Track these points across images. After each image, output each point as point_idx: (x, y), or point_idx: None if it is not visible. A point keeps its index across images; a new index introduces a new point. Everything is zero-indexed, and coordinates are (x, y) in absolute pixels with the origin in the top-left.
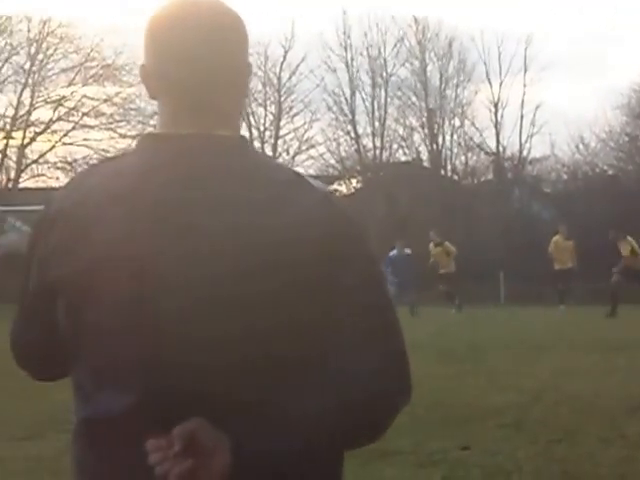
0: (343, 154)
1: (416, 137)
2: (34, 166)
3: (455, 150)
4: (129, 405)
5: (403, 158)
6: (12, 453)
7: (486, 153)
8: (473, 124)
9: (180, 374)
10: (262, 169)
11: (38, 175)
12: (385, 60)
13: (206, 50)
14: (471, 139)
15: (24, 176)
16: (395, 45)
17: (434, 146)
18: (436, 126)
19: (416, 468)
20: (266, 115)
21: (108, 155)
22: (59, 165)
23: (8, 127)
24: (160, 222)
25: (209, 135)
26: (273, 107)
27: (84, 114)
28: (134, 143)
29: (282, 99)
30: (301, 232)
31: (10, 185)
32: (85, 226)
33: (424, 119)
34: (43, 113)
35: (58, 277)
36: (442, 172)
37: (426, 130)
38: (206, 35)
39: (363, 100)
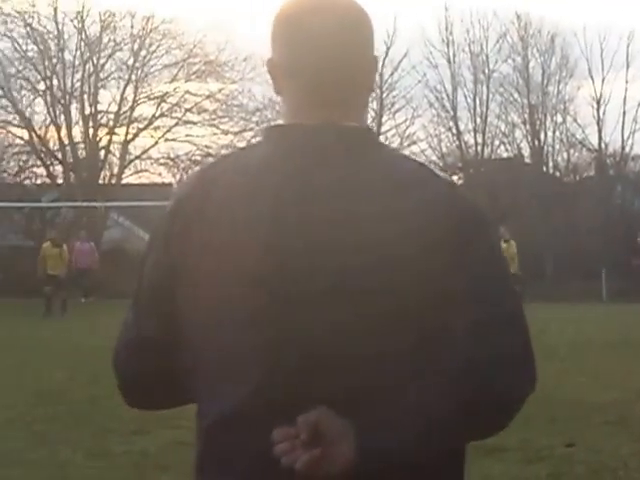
0: (445, 150)
1: (518, 133)
2: (137, 162)
3: (557, 146)
4: (250, 396)
5: (505, 154)
6: (121, 448)
7: (588, 150)
8: (575, 120)
9: (301, 364)
10: (388, 159)
11: (141, 171)
12: (487, 56)
13: (335, 43)
14: (573, 135)
15: (127, 172)
16: (497, 41)
17: (536, 142)
18: (538, 122)
19: (523, 464)
20: (368, 111)
21: (210, 151)
22: (162, 161)
23: (111, 123)
24: (284, 211)
25: (336, 125)
26: (375, 103)
27: (187, 110)
28: (236, 139)
29: (384, 95)
30: (426, 219)
31: (113, 181)
32: (207, 217)
33: (526, 115)
34: (146, 109)
35: (178, 269)
36: (544, 168)
37: (528, 126)
38: (335, 28)
39: (465, 96)
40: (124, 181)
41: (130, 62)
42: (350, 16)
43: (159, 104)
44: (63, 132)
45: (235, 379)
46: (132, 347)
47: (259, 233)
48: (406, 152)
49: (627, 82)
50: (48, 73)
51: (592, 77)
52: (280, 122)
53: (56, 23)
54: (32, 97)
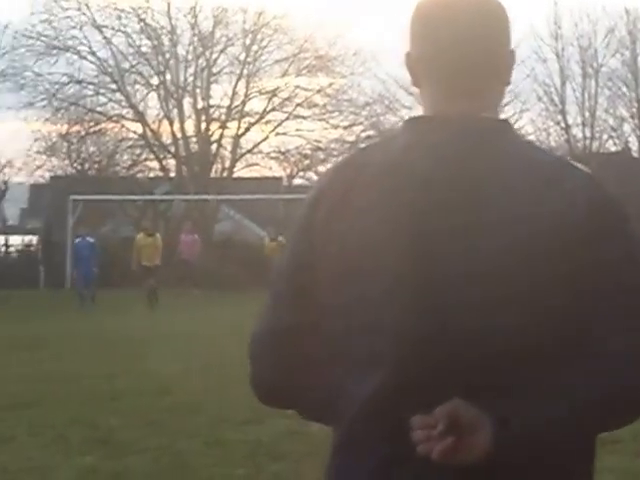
0: (553, 144)
1: (626, 127)
2: (248, 156)
3: None
4: (387, 385)
5: (612, 148)
6: (235, 436)
7: None
8: None
9: (440, 353)
10: (526, 151)
11: (252, 165)
12: (596, 50)
13: (473, 37)
14: None
15: (238, 165)
16: (606, 35)
17: None
18: None
19: (636, 457)
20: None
21: (320, 145)
22: (272, 155)
23: (223, 117)
24: (427, 200)
25: (473, 117)
26: None
27: (297, 105)
28: (346, 133)
29: None
30: (566, 210)
31: (224, 174)
32: (351, 206)
33: (634, 109)
34: (257, 104)
35: (319, 258)
36: None
37: (636, 120)
38: (473, 22)
39: (573, 90)
40: (235, 175)
41: (242, 57)
42: (487, 10)
43: (270, 99)
44: (176, 126)
45: (373, 368)
46: (270, 337)
47: (404, 223)
48: None
49: None
50: (161, 68)
51: None
52: (420, 114)
53: (169, 18)
54: (146, 91)
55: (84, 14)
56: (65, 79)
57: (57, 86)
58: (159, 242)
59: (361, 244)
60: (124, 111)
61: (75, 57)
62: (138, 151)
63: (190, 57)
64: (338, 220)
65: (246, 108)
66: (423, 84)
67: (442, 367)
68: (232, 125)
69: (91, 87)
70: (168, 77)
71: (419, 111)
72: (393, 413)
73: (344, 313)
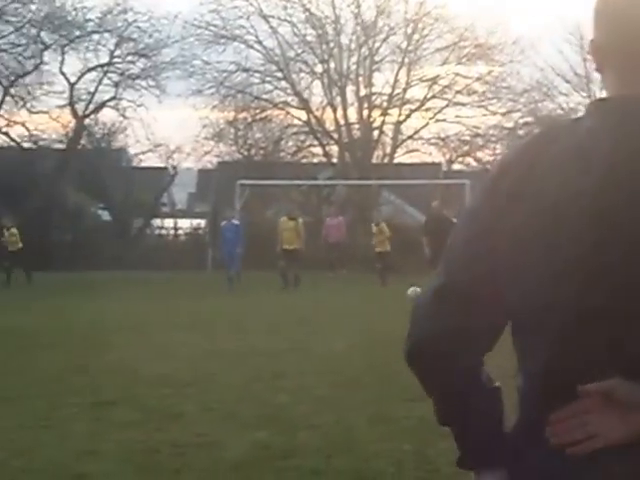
0: None
1: None
2: (409, 142)
3: None
4: (554, 358)
5: None
6: (399, 413)
7: None
8: None
9: (608, 330)
10: None
11: (412, 151)
12: None
13: None
14: None
15: (399, 151)
16: None
17: None
18: None
19: None
20: None
21: (479, 132)
22: (432, 141)
23: (385, 104)
24: (607, 182)
25: None
26: None
27: (457, 92)
28: (504, 120)
29: None
30: None
31: (385, 160)
32: (536, 180)
33: None
34: (417, 91)
35: (502, 224)
36: None
37: None
38: None
39: None
40: (396, 160)
41: (403, 46)
42: None
43: (430, 86)
44: (339, 113)
45: (546, 343)
46: (440, 293)
47: (584, 204)
48: None
49: None
50: (325, 56)
51: None
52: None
53: (333, 8)
54: (310, 79)
55: (251, 4)
56: (232, 67)
57: (225, 74)
58: (300, 227)
59: (542, 220)
60: (289, 98)
61: (242, 46)
62: (302, 137)
63: (353, 46)
64: (521, 194)
65: (407, 95)
66: (606, 70)
67: (613, 343)
68: (393, 112)
69: (257, 75)
70: (332, 65)
71: (576, 98)
72: (563, 392)
73: (518, 285)
